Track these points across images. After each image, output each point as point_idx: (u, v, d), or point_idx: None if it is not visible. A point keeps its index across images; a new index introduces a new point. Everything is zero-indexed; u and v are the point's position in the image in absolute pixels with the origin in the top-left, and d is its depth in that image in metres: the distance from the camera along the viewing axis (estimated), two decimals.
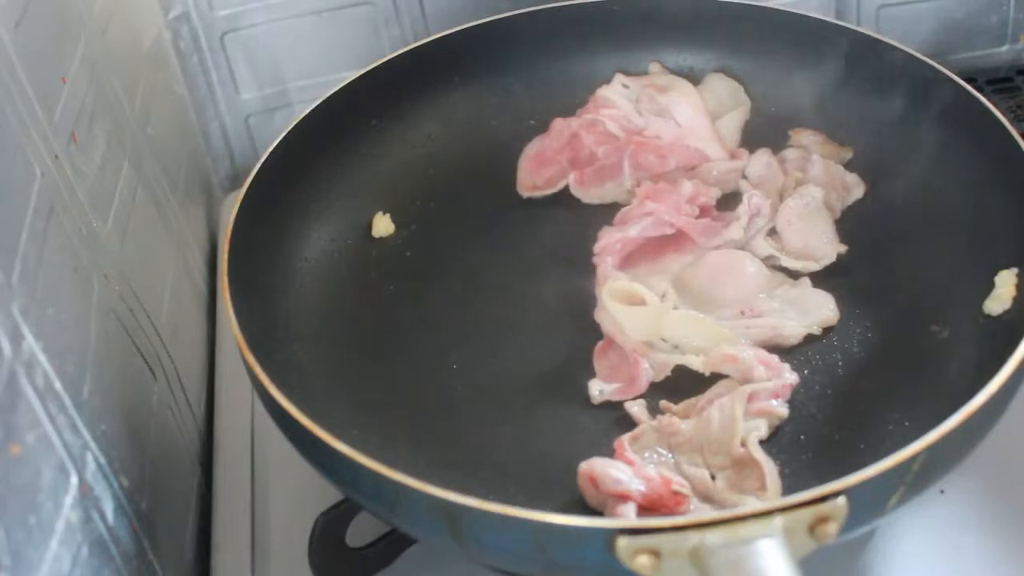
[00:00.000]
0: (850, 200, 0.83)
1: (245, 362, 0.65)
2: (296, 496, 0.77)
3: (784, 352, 0.73)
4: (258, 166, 0.78)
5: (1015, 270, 0.71)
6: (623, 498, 0.62)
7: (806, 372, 0.72)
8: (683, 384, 0.72)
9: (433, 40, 0.92)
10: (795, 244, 0.80)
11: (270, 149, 0.80)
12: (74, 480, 0.58)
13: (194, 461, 0.82)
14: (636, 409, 0.70)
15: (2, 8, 0.65)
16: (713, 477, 0.66)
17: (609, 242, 0.80)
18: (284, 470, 0.80)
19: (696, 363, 0.73)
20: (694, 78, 0.92)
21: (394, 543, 0.70)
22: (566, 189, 0.88)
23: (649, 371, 0.73)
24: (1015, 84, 1.10)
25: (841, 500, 0.54)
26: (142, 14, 0.98)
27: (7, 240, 0.57)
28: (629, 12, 0.93)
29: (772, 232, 0.81)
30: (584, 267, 0.80)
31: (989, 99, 0.77)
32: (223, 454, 0.83)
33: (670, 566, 0.53)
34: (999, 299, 0.70)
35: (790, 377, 0.70)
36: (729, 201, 0.84)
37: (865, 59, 0.84)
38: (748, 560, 0.51)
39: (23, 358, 0.55)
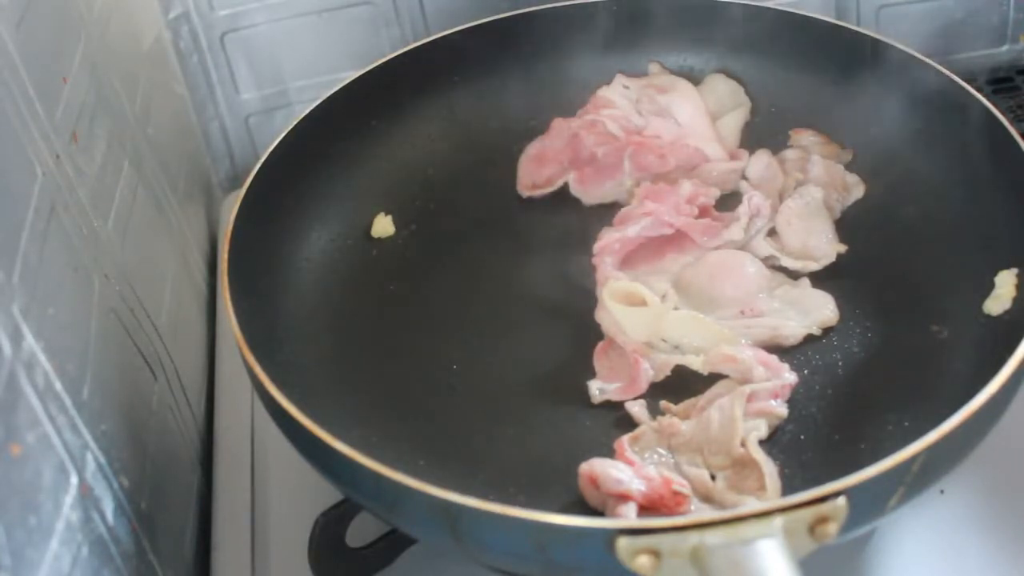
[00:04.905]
0: (850, 200, 0.83)
1: (245, 362, 0.65)
2: (296, 496, 0.77)
3: (784, 352, 0.73)
4: (258, 166, 0.78)
5: (1015, 270, 0.71)
6: (623, 498, 0.62)
7: (806, 372, 0.72)
8: (683, 384, 0.72)
9: (433, 40, 0.92)
10: (795, 244, 0.80)
11: (270, 149, 0.80)
12: (74, 480, 0.58)
13: (194, 461, 0.82)
14: (636, 409, 0.70)
15: (3, 8, 0.65)
16: (713, 477, 0.66)
17: (609, 242, 0.80)
18: (284, 470, 0.80)
19: (696, 363, 0.73)
20: (694, 78, 0.92)
21: (394, 543, 0.70)
22: (566, 189, 0.88)
23: (649, 371, 0.72)
24: (1015, 84, 1.10)
25: (841, 500, 0.54)
26: (142, 14, 0.98)
27: (8, 240, 0.57)
28: (629, 12, 0.93)
29: (772, 232, 0.81)
30: (584, 267, 0.80)
31: (989, 99, 0.77)
32: (223, 454, 0.83)
33: (670, 566, 0.53)
34: (999, 299, 0.70)
35: (790, 377, 0.70)
36: (729, 201, 0.84)
37: (865, 59, 0.84)
38: (748, 560, 0.52)
39: (23, 358, 0.55)
